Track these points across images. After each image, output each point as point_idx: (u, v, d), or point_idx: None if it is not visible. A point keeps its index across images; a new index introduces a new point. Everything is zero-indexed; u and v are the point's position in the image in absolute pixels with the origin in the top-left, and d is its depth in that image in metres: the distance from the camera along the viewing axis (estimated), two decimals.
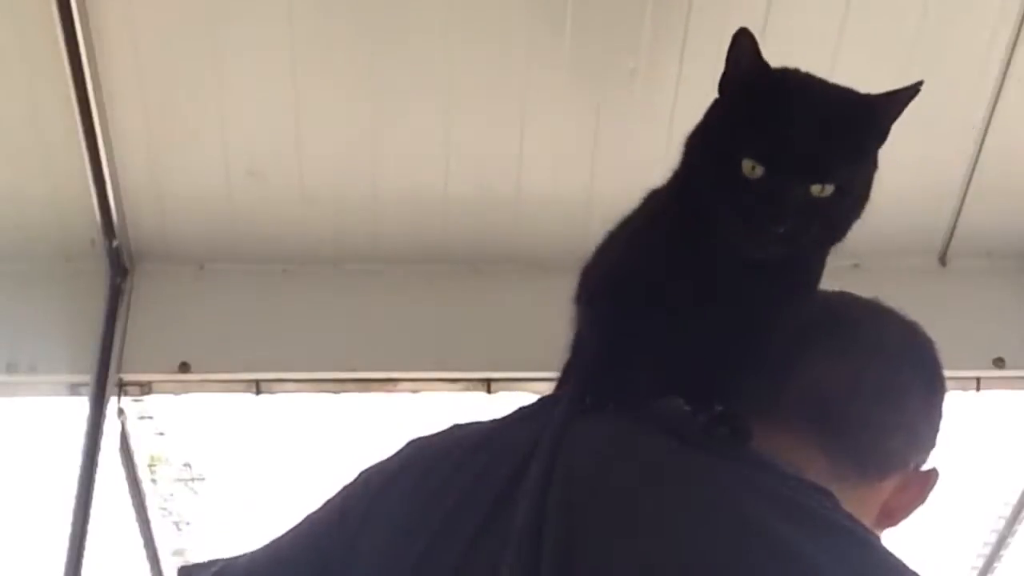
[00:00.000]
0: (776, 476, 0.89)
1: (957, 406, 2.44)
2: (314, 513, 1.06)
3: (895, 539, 1.01)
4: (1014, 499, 2.64)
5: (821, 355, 1.03)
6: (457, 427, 1.07)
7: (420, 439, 1.06)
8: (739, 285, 0.98)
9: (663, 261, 1.01)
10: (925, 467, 1.09)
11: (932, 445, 1.10)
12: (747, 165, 0.94)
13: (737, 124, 0.97)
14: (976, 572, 2.82)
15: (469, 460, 0.98)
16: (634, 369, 1.05)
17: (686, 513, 0.84)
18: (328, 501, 1.06)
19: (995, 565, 2.78)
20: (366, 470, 1.07)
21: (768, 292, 0.99)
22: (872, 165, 0.99)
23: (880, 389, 1.03)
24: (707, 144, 1.00)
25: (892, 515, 1.05)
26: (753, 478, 0.87)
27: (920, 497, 1.07)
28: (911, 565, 0.86)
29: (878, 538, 0.90)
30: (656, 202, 1.05)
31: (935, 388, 1.11)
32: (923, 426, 1.07)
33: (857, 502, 0.99)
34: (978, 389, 2.40)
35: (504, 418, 1.05)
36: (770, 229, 0.93)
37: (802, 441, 0.98)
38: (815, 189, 0.93)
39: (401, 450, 1.06)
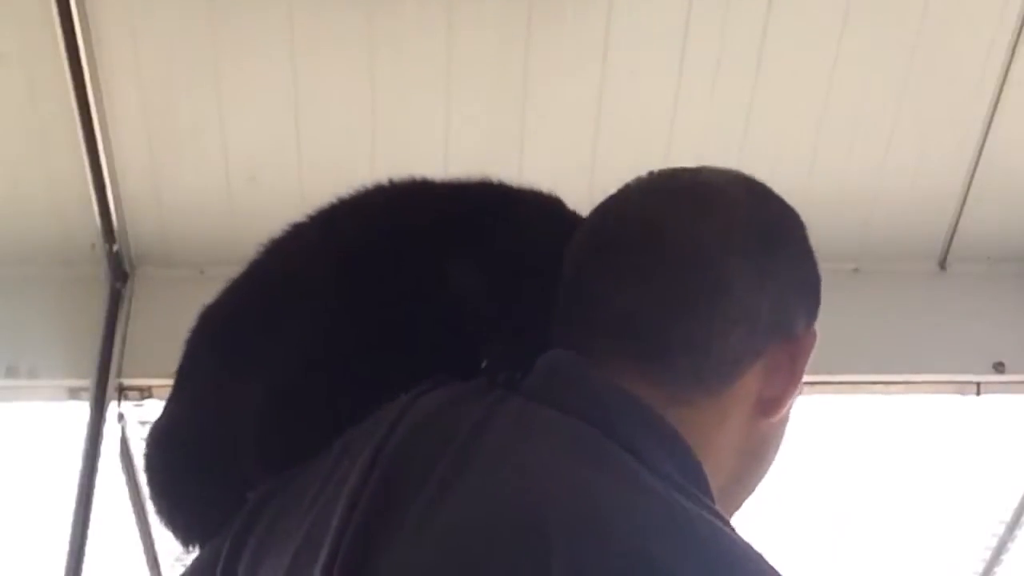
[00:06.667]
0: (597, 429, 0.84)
1: (957, 410, 2.47)
2: None
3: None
4: (1015, 503, 2.64)
5: (630, 281, 0.93)
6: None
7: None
8: None
9: None
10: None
11: (799, 310, 0.96)
12: None
13: None
14: None
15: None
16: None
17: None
18: None
19: (995, 569, 2.78)
20: None
21: None
22: None
23: (693, 297, 0.91)
24: None
25: (773, 404, 0.93)
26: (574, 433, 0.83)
27: (794, 375, 0.94)
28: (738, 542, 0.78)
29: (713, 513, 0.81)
30: None
31: (768, 251, 0.95)
32: (765, 305, 0.93)
33: (716, 417, 0.91)
34: (978, 394, 2.40)
35: None
36: None
37: (630, 376, 0.89)
38: None
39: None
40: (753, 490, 0.97)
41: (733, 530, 0.81)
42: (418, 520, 0.79)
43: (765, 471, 0.97)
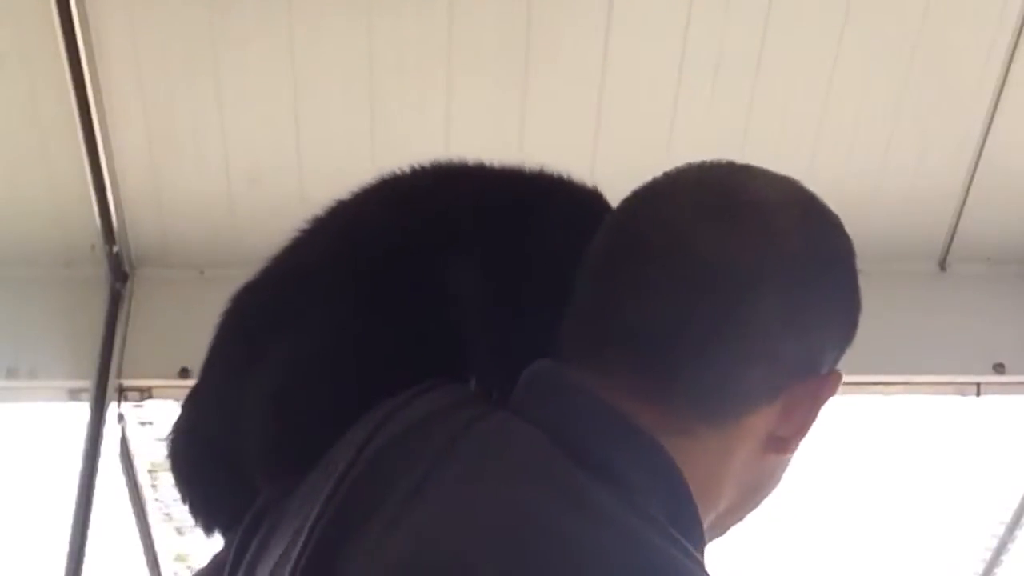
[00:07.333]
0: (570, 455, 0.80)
1: (957, 411, 2.47)
2: None
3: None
4: (1015, 504, 2.64)
5: (648, 292, 0.85)
6: None
7: None
8: None
9: None
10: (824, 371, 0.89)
11: (830, 346, 0.89)
12: None
13: None
14: None
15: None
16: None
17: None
18: None
19: (995, 570, 2.78)
20: None
21: None
22: None
23: (713, 322, 0.83)
24: None
25: (786, 442, 0.87)
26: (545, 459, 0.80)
27: (812, 415, 0.88)
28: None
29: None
30: None
31: (810, 287, 0.86)
32: (793, 343, 0.85)
33: (718, 451, 0.85)
34: (978, 394, 2.40)
35: None
36: None
37: (630, 392, 0.84)
38: None
39: None
40: (746, 516, 0.93)
41: (706, 572, 0.78)
42: (376, 539, 0.78)
43: (763, 500, 0.93)
